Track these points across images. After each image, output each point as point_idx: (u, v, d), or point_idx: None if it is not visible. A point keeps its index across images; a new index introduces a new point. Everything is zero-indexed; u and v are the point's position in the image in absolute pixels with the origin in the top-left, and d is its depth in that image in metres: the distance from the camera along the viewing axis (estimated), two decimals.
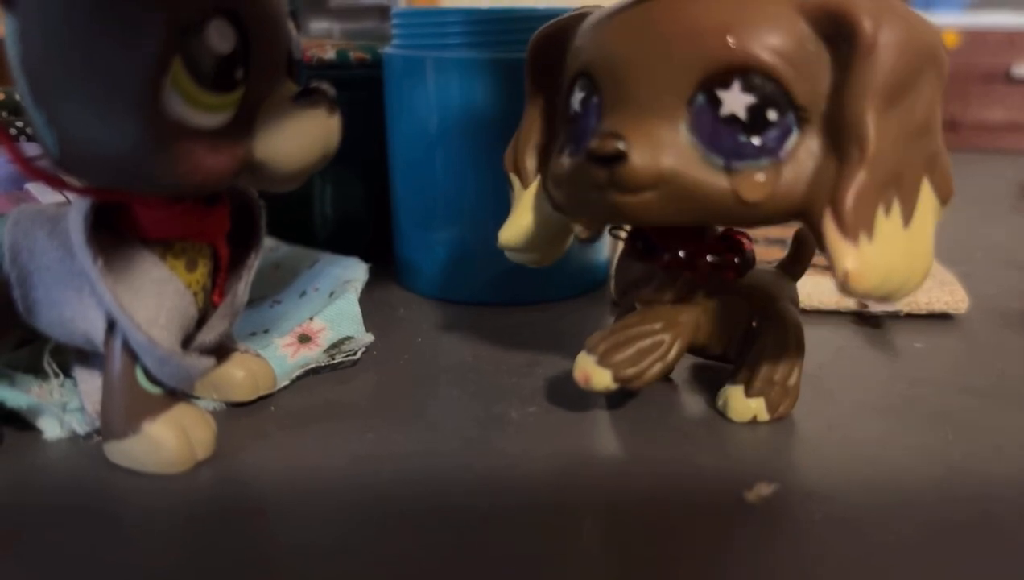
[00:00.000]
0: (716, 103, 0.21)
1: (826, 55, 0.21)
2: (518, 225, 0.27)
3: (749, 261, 0.26)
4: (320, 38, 0.55)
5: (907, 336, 0.34)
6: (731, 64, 0.20)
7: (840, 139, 0.20)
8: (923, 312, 0.36)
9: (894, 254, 0.21)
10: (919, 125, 0.21)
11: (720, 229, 0.26)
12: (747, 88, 0.20)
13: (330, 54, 0.41)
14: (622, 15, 0.22)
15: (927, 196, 0.22)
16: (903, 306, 0.36)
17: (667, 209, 0.22)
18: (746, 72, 0.20)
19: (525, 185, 0.27)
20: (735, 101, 0.20)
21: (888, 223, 0.21)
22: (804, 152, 0.21)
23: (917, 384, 0.30)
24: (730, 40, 0.20)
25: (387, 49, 0.38)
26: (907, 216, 0.21)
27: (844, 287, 0.20)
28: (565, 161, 0.24)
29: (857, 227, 0.20)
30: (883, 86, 0.20)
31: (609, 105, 0.22)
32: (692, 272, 0.25)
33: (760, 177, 0.21)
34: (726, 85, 0.20)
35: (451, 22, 0.35)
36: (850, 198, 0.20)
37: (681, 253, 0.25)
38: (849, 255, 0.20)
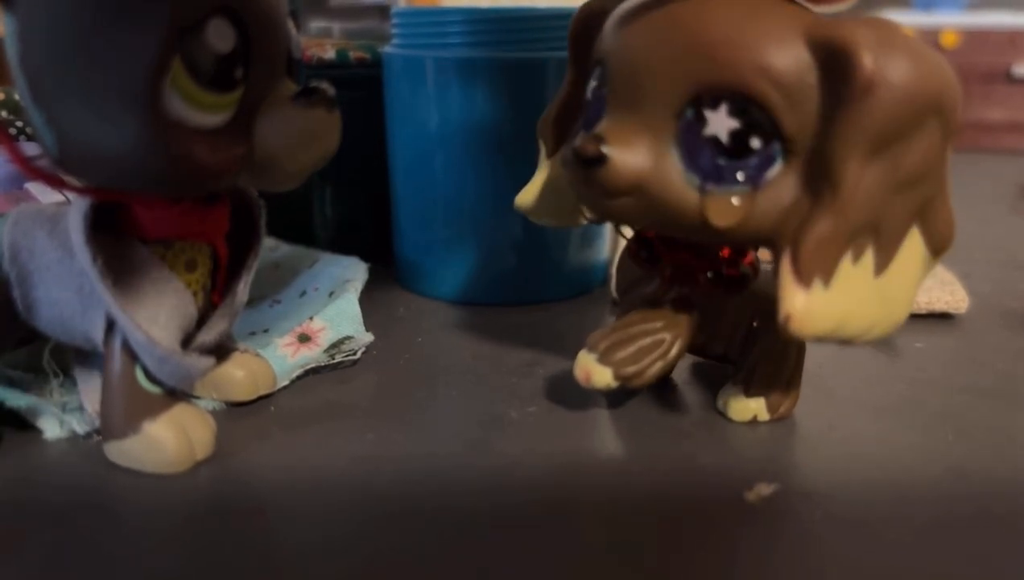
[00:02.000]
0: (702, 121, 0.20)
1: (823, 87, 0.19)
2: (534, 191, 0.28)
3: (748, 277, 0.25)
4: (320, 37, 0.55)
5: (907, 336, 0.34)
6: (721, 84, 0.20)
7: (816, 178, 0.20)
8: (923, 312, 0.36)
9: (853, 302, 0.20)
10: (909, 176, 0.20)
11: None
12: (734, 112, 0.20)
13: (330, 53, 0.41)
14: (642, 12, 0.21)
15: (914, 245, 0.21)
16: None
17: (643, 217, 0.21)
18: (736, 95, 0.20)
19: (548, 155, 0.27)
20: (719, 123, 0.20)
21: (855, 271, 0.20)
22: (784, 184, 0.20)
23: (917, 384, 0.30)
24: (726, 59, 0.19)
25: (387, 49, 0.38)
26: (881, 265, 0.20)
27: (785, 328, 0.20)
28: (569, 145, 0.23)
29: (812, 272, 0.19)
30: (871, 133, 0.19)
31: (612, 101, 0.22)
32: (691, 287, 0.25)
33: (733, 202, 0.20)
34: (714, 105, 0.20)
35: (451, 21, 0.35)
36: (811, 241, 0.19)
37: (681, 268, 0.25)
38: (797, 298, 0.19)
